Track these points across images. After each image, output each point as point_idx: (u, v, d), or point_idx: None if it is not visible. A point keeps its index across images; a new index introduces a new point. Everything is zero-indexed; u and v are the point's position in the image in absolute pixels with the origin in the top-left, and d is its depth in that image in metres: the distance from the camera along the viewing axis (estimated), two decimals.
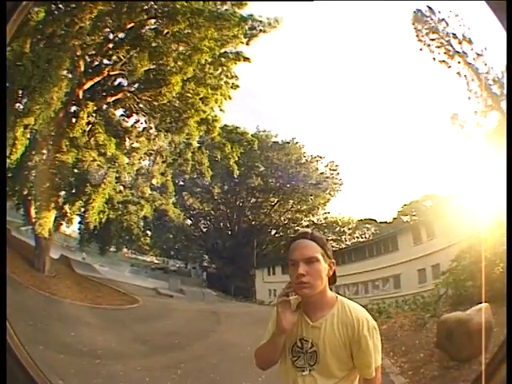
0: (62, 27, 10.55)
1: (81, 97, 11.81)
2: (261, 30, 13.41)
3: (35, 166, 11.46)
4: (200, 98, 13.05)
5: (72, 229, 13.85)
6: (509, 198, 1.05)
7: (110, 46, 12.17)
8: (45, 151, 11.62)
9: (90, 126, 11.87)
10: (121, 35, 12.17)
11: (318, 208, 20.25)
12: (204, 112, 13.28)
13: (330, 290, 1.89)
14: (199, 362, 7.74)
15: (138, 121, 13.97)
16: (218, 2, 12.25)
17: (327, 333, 1.80)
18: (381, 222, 18.49)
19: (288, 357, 1.88)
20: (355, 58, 15.87)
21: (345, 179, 19.53)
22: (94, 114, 12.02)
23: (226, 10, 12.42)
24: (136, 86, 13.11)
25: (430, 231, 12.90)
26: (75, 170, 11.47)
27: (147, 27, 12.13)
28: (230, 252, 19.11)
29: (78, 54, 11.32)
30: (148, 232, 15.66)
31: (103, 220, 11.94)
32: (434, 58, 10.85)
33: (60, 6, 10.83)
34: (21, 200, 12.13)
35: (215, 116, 14.11)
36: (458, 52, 10.35)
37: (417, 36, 11.23)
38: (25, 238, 13.15)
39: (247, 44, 13.18)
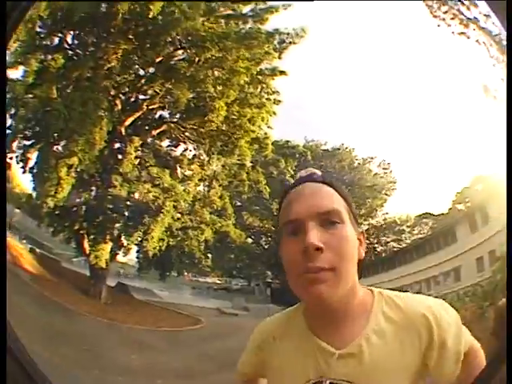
0: (88, 70, 11.25)
1: (124, 133, 12.46)
2: (290, 42, 13.44)
3: (85, 202, 12.17)
4: (247, 119, 13.23)
5: (128, 257, 14.13)
6: (509, 197, 0.95)
7: (143, 81, 12.74)
8: (93, 188, 12.33)
9: (139, 159, 12.46)
10: (151, 70, 12.71)
11: (376, 210, 19.65)
12: (253, 132, 13.45)
13: None
14: None
15: (186, 149, 14.45)
16: (240, 22, 12.54)
17: (377, 357, 0.96)
18: (437, 215, 17.61)
19: None
20: (387, 53, 15.52)
21: (396, 176, 18.94)
22: (140, 148, 12.57)
23: (250, 28, 12.67)
24: (178, 116, 13.63)
25: (484, 216, 12.11)
26: (128, 203, 12.02)
27: (176, 58, 12.61)
28: None
29: (112, 93, 12.05)
30: (209, 255, 15.85)
31: (163, 247, 12.19)
32: (453, 32, 10.38)
33: (78, 50, 11.80)
34: (71, 234, 12.85)
35: (265, 134, 14.17)
36: (470, 19, 9.85)
37: (431, 13, 10.82)
38: (77, 269, 13.79)
39: (279, 58, 13.28)
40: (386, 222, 19.40)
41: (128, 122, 12.61)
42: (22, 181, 18.13)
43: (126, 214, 12.19)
